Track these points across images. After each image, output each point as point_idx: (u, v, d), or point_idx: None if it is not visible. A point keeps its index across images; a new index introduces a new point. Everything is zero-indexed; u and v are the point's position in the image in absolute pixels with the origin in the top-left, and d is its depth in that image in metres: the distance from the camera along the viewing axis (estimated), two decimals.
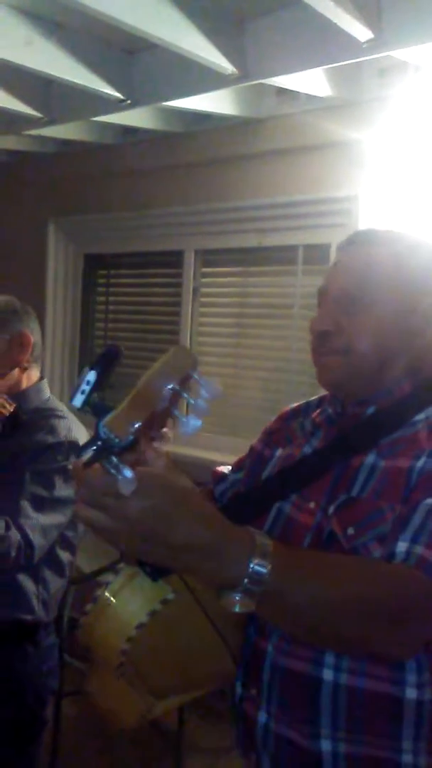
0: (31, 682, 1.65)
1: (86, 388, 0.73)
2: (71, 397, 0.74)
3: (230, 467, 1.23)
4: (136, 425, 0.69)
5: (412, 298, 1.01)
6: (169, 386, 0.72)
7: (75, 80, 2.19)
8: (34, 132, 2.81)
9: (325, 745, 0.93)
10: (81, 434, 1.66)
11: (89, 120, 2.68)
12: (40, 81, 2.41)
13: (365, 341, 0.99)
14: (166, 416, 0.76)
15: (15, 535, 1.49)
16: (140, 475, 0.69)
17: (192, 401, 0.74)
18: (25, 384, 1.73)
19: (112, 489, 0.68)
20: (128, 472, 0.68)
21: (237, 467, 1.21)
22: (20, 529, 1.50)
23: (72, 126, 2.80)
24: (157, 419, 0.74)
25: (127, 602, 0.84)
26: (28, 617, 1.60)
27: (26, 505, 1.53)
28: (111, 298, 3.60)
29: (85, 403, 0.73)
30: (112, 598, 0.84)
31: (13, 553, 1.48)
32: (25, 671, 1.63)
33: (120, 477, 0.68)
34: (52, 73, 2.16)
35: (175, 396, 0.74)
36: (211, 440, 2.97)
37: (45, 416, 1.68)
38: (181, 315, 3.18)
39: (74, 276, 3.62)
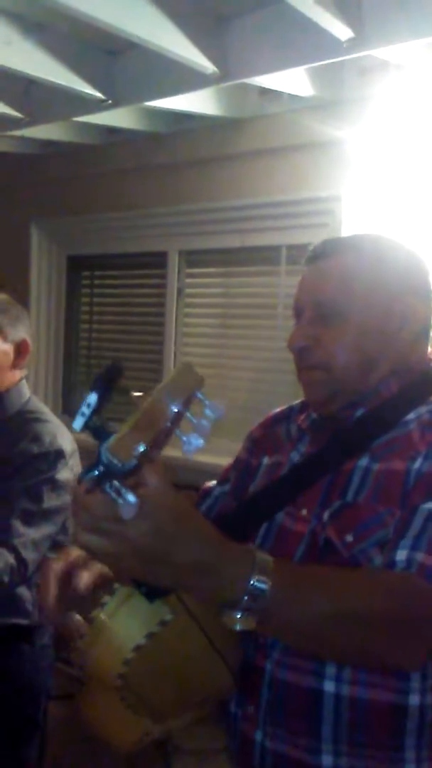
0: (27, 682, 1.65)
1: (86, 411, 0.70)
2: (74, 420, 0.71)
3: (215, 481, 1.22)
4: (141, 449, 0.67)
5: (386, 301, 1.00)
6: (175, 407, 0.71)
7: (56, 80, 2.18)
8: (15, 133, 2.79)
9: (327, 760, 0.92)
10: (65, 438, 1.65)
11: (71, 120, 2.67)
12: (20, 81, 2.39)
13: (343, 354, 0.99)
14: (167, 436, 0.74)
15: (8, 559, 1.49)
16: (142, 496, 0.68)
17: (195, 421, 0.73)
18: (7, 385, 1.71)
19: (113, 514, 0.67)
20: (131, 498, 0.66)
21: (223, 479, 1.19)
22: (13, 550, 1.50)
23: (54, 126, 2.78)
24: (161, 442, 0.73)
25: (124, 624, 0.82)
26: (25, 621, 1.60)
27: (17, 524, 1.53)
28: (95, 300, 3.59)
29: (86, 426, 0.70)
30: (107, 621, 0.82)
31: (6, 579, 1.48)
32: (21, 670, 1.64)
33: (122, 502, 0.66)
34: (33, 73, 2.15)
35: (178, 415, 0.72)
36: None
37: (27, 420, 1.66)
38: (165, 316, 3.17)
39: (57, 277, 3.61)
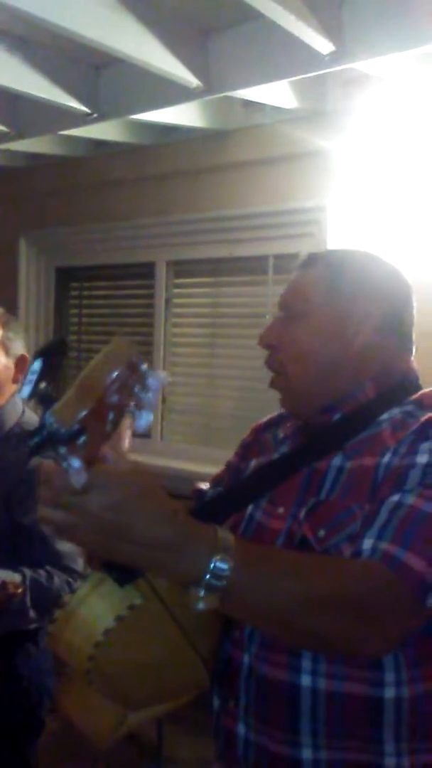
0: (33, 683, 1.66)
1: (32, 377, 0.73)
2: (20, 389, 0.74)
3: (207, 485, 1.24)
4: (82, 413, 0.69)
5: (341, 304, 1.04)
6: (114, 374, 0.73)
7: (41, 95, 2.20)
8: (2, 146, 2.80)
9: (306, 753, 0.92)
10: None
11: (58, 134, 2.69)
12: (6, 96, 2.41)
13: (295, 360, 1.04)
14: (120, 412, 0.76)
15: (60, 580, 1.55)
16: (99, 470, 0.70)
17: (142, 395, 0.75)
18: (6, 398, 1.74)
19: (70, 485, 0.68)
20: (76, 462, 0.68)
21: (215, 483, 1.22)
22: (66, 570, 1.57)
23: (40, 140, 2.80)
24: (109, 413, 0.74)
25: (94, 608, 0.83)
26: (32, 626, 1.62)
27: (59, 547, 1.58)
28: (84, 311, 3.60)
29: (32, 393, 0.73)
30: (78, 605, 0.84)
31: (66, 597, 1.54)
32: (28, 672, 1.65)
33: (69, 468, 0.68)
34: (19, 88, 2.17)
35: (125, 389, 0.74)
36: (185, 450, 2.98)
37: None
38: (154, 326, 3.18)
39: (46, 289, 3.62)
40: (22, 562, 1.57)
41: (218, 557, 0.74)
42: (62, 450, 0.68)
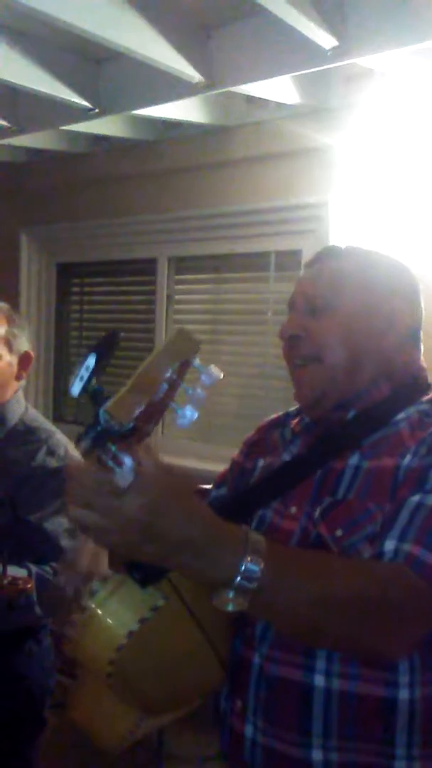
0: (35, 681, 1.67)
1: (85, 374, 0.71)
2: (71, 386, 0.72)
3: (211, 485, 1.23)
4: (138, 411, 0.67)
5: (373, 301, 1.04)
6: (169, 371, 0.71)
7: (42, 89, 2.18)
8: (3, 141, 2.79)
9: (317, 755, 0.92)
10: (71, 445, 1.68)
11: (59, 129, 2.68)
12: (7, 91, 2.40)
13: (334, 345, 1.01)
14: (160, 410, 0.74)
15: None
16: (138, 470, 0.68)
17: (190, 391, 0.73)
18: (9, 395, 1.73)
19: (107, 487, 0.67)
20: (129, 461, 0.66)
21: (219, 483, 1.21)
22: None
23: (42, 135, 2.79)
24: (156, 412, 0.73)
25: (116, 611, 0.82)
26: (33, 622, 1.62)
27: (64, 544, 1.58)
28: (85, 307, 3.59)
29: (84, 390, 0.71)
30: (99, 608, 0.82)
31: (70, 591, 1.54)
32: (30, 670, 1.66)
33: (118, 468, 0.66)
34: (20, 83, 2.15)
35: (173, 385, 0.72)
36: (186, 447, 2.97)
37: (32, 430, 1.69)
38: (155, 322, 3.18)
39: (47, 286, 3.61)
40: (27, 558, 1.57)
41: (249, 559, 0.74)
42: (113, 447, 0.66)
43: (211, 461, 2.78)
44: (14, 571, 1.52)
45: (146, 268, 3.21)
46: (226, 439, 2.69)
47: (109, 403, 0.68)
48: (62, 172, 3.26)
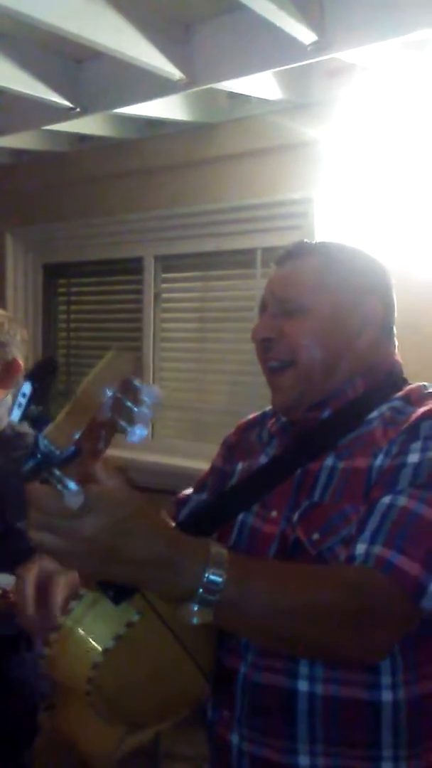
0: (29, 689, 1.65)
1: (22, 401, 0.71)
2: (9, 412, 0.71)
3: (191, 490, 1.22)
4: (77, 435, 0.67)
5: (348, 301, 1.02)
6: (109, 393, 0.71)
7: (22, 89, 2.17)
8: None
9: (303, 761, 0.91)
10: None
11: (41, 129, 2.66)
12: None
13: (308, 348, 1.00)
14: (112, 428, 0.73)
15: None
16: (92, 492, 0.67)
17: (135, 409, 0.72)
18: None
19: (63, 509, 0.66)
20: (72, 485, 0.66)
21: (199, 487, 1.20)
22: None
23: (24, 135, 2.77)
24: (102, 431, 0.72)
25: (91, 628, 0.81)
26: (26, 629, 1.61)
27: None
28: (72, 308, 3.57)
29: (23, 416, 0.70)
30: (74, 626, 0.81)
31: None
32: (24, 677, 1.64)
33: (65, 491, 0.65)
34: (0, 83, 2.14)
35: (118, 405, 0.72)
36: (175, 445, 2.97)
37: (22, 437, 1.68)
38: (143, 321, 3.17)
39: (34, 287, 3.59)
40: (16, 565, 1.55)
41: (212, 571, 0.73)
42: (57, 472, 0.66)
43: (201, 459, 2.77)
44: (4, 578, 1.51)
45: (133, 267, 3.20)
46: (215, 436, 2.66)
47: (47, 429, 0.67)
48: (46, 173, 3.24)
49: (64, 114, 2.35)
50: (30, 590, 0.90)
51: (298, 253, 1.06)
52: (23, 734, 1.67)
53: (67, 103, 2.28)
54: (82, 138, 2.94)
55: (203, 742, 1.07)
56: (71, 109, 2.31)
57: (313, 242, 1.09)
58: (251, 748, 0.95)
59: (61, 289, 3.60)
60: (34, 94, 2.20)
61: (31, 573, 0.91)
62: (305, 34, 1.81)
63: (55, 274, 3.58)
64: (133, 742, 0.92)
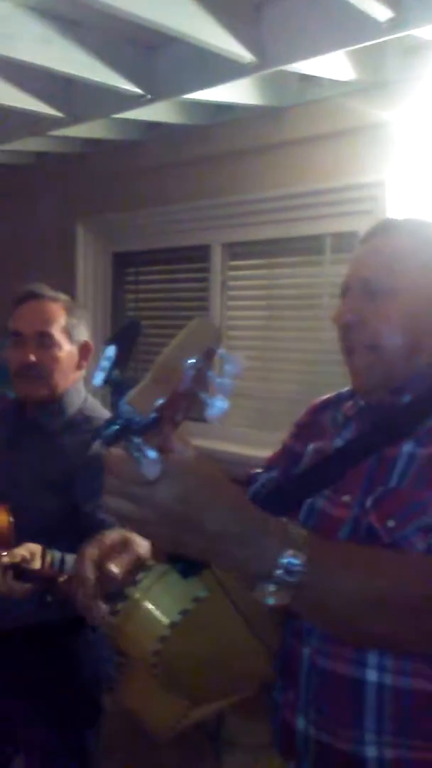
0: (92, 669, 1.69)
1: (105, 364, 0.69)
2: (93, 377, 0.71)
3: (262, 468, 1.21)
4: (159, 401, 0.66)
5: None
6: (191, 360, 0.69)
7: (95, 78, 2.19)
8: (58, 132, 2.82)
9: (370, 751, 0.90)
10: None
11: (111, 117, 2.68)
12: (60, 80, 2.41)
13: (393, 331, 0.97)
14: (191, 400, 0.72)
15: None
16: (170, 460, 0.67)
17: (217, 380, 0.71)
18: (68, 384, 1.76)
19: (140, 477, 0.66)
20: (152, 453, 0.65)
21: (269, 465, 1.19)
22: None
23: (95, 124, 2.80)
24: (181, 401, 0.71)
25: (158, 601, 0.81)
26: None
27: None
28: (140, 296, 3.61)
29: (106, 380, 0.70)
30: (142, 597, 0.82)
31: None
32: (87, 658, 1.68)
33: (144, 459, 0.65)
34: (72, 72, 2.16)
35: (199, 377, 0.70)
36: (241, 434, 2.96)
37: (89, 419, 1.72)
38: (210, 309, 3.17)
39: (103, 275, 3.64)
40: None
41: (290, 552, 0.72)
42: (136, 440, 0.65)
43: (267, 448, 2.76)
44: (71, 559, 1.54)
45: (200, 254, 3.20)
46: (282, 425, 2.65)
47: (129, 394, 0.66)
48: (115, 161, 3.27)
49: (135, 101, 2.36)
50: (89, 570, 0.90)
51: (383, 230, 1.03)
52: (84, 716, 1.71)
53: (138, 90, 2.28)
54: (150, 125, 2.95)
55: (265, 732, 1.06)
56: (142, 96, 2.31)
57: (401, 220, 1.05)
58: (317, 734, 0.94)
59: (130, 278, 3.64)
60: (106, 82, 2.21)
61: (90, 552, 0.91)
62: (380, 11, 1.76)
63: (123, 263, 3.62)
64: (194, 717, 0.92)
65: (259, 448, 2.77)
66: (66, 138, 3.04)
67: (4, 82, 2.38)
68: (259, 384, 2.98)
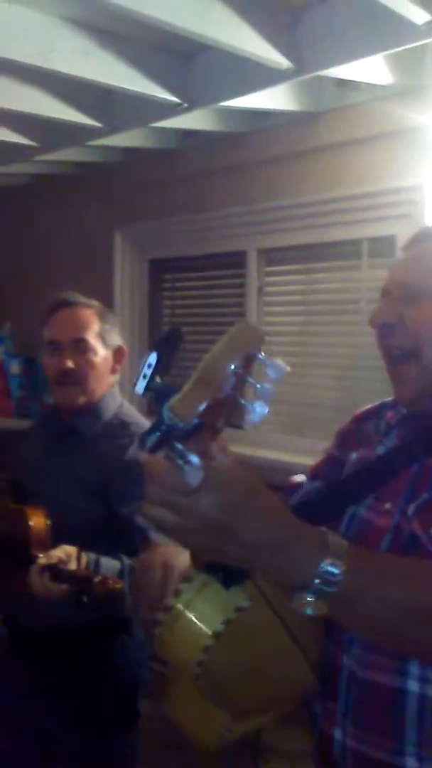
0: (128, 674, 1.69)
1: (147, 371, 0.69)
2: (135, 384, 0.71)
3: (304, 476, 1.21)
4: (201, 407, 0.65)
5: None
6: (233, 366, 0.68)
7: (133, 88, 2.22)
8: (97, 142, 2.86)
9: (411, 763, 0.88)
10: None
11: (149, 126, 2.71)
12: (99, 91, 2.45)
13: (429, 335, 0.96)
14: (231, 406, 0.71)
15: None
16: (211, 468, 0.67)
17: (258, 386, 0.70)
18: (104, 389, 1.78)
19: (181, 485, 0.66)
20: (195, 459, 0.64)
21: (312, 475, 1.18)
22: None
23: (133, 133, 2.83)
24: (222, 408, 0.70)
25: (201, 612, 0.81)
26: (125, 613, 1.65)
27: (155, 538, 1.59)
28: (177, 302, 3.63)
29: (148, 387, 0.70)
30: (184, 608, 0.82)
31: None
32: (121, 661, 1.68)
33: (186, 466, 0.64)
34: (111, 82, 2.20)
35: (239, 383, 0.70)
36: (279, 440, 2.95)
37: (126, 425, 1.73)
38: (246, 315, 3.16)
39: (140, 282, 3.67)
40: (119, 551, 1.59)
41: (329, 561, 0.71)
42: (179, 446, 0.65)
43: (303, 454, 2.75)
44: (107, 562, 1.55)
45: (236, 261, 3.21)
46: (318, 431, 2.65)
47: (172, 400, 0.66)
48: (153, 170, 3.30)
49: (172, 110, 2.39)
50: (158, 577, 0.91)
51: (425, 237, 1.03)
52: (121, 721, 1.71)
53: (175, 99, 2.31)
54: (187, 133, 2.98)
55: (304, 739, 1.05)
56: (179, 104, 2.33)
57: None
58: (355, 745, 0.93)
59: (166, 284, 3.67)
60: (144, 92, 2.24)
61: (156, 559, 0.92)
62: (418, 14, 1.74)
63: (160, 269, 3.65)
64: (238, 732, 0.92)
65: (293, 454, 2.76)
66: (105, 147, 3.08)
67: (46, 94, 2.43)
68: (295, 389, 2.97)
